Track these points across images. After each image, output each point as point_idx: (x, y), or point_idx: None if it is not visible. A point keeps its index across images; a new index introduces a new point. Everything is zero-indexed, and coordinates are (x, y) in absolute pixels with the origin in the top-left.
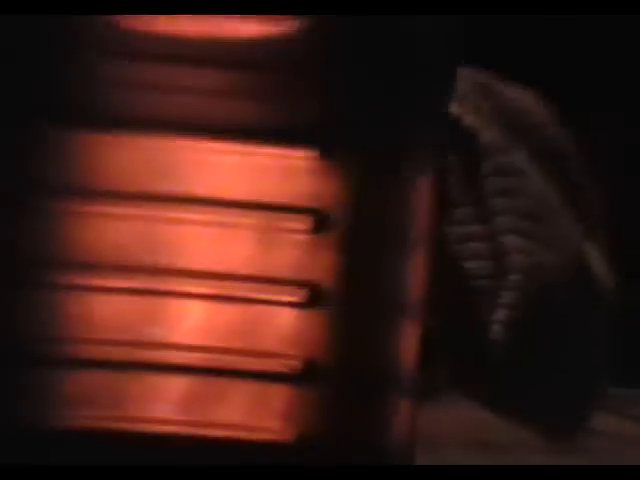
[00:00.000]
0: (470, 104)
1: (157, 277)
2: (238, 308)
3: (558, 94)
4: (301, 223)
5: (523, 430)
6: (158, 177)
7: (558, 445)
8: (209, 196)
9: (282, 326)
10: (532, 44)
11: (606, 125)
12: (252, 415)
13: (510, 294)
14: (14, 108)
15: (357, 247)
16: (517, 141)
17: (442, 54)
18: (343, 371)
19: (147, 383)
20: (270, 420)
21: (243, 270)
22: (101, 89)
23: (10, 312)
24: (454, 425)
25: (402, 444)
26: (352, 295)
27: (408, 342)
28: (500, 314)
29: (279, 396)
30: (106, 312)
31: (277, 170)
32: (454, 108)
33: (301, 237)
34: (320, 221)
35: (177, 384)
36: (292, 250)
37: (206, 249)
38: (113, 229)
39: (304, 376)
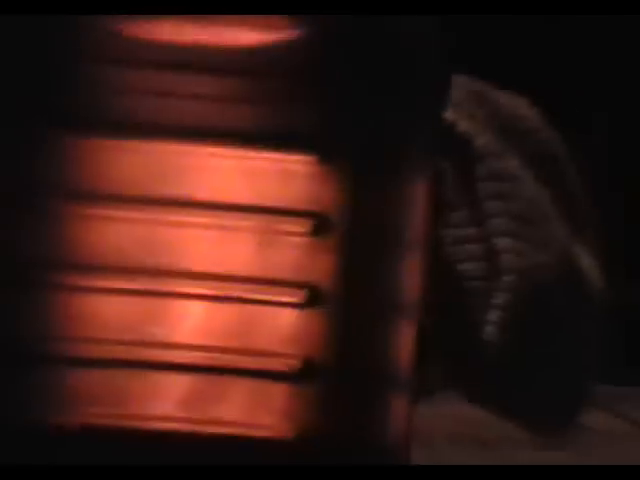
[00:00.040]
0: (465, 111)
1: (158, 278)
2: (238, 308)
3: (549, 99)
4: (300, 226)
5: (513, 426)
6: (159, 181)
7: (548, 441)
8: (210, 200)
9: (281, 326)
10: (523, 52)
11: (595, 126)
12: (252, 412)
13: (503, 295)
14: (20, 114)
15: (355, 249)
16: (510, 146)
17: (438, 62)
18: (340, 370)
19: (149, 381)
20: (269, 417)
21: (243, 271)
22: (104, 95)
23: (15, 312)
24: (448, 422)
25: (398, 440)
26: (350, 296)
27: (404, 341)
28: (493, 314)
29: (278, 394)
30: (108, 312)
31: (276, 174)
32: (449, 114)
33: (300, 239)
34: (318, 224)
35: (178, 382)
36: (291, 252)
37: (207, 251)
38: (115, 231)
39: (303, 375)
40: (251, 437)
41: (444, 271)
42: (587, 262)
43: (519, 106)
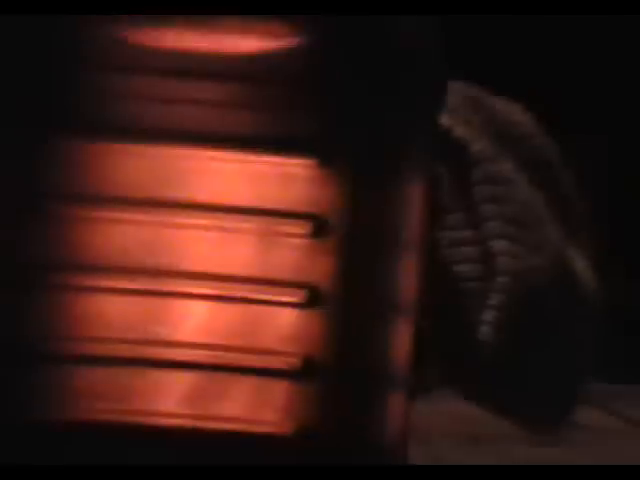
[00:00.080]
0: (461, 117)
1: (161, 278)
2: (240, 308)
3: (546, 115)
4: (300, 228)
5: (509, 424)
6: (163, 184)
7: (542, 438)
8: (211, 202)
9: (282, 325)
10: (521, 54)
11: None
12: (253, 409)
13: (498, 296)
14: (26, 120)
15: (353, 250)
16: (505, 151)
17: (436, 64)
18: (340, 368)
19: (152, 379)
20: (270, 414)
21: (244, 272)
22: (109, 101)
23: (23, 312)
24: (444, 419)
25: (396, 437)
26: (348, 296)
27: (401, 341)
28: (488, 315)
29: (279, 391)
30: (113, 312)
31: (276, 177)
32: (445, 120)
33: (300, 241)
34: (318, 226)
35: (181, 380)
36: (291, 253)
37: (209, 252)
38: (120, 233)
39: (302, 372)
40: (253, 433)
41: (440, 273)
42: (581, 264)
43: (514, 112)
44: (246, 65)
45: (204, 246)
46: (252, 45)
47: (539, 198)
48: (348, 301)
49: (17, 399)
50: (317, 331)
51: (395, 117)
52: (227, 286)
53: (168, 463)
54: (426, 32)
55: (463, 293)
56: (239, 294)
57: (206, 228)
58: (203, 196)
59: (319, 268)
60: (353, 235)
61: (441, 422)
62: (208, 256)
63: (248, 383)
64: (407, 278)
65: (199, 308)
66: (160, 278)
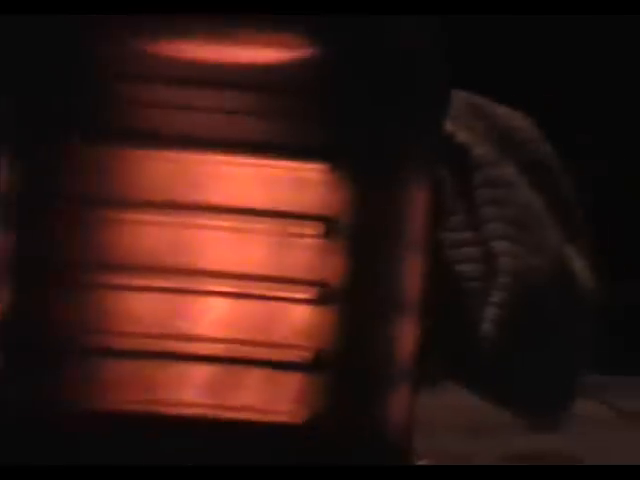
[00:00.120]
0: (463, 123)
1: (184, 277)
2: (256, 304)
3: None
4: (312, 229)
5: (510, 414)
6: (185, 188)
7: (541, 428)
8: (230, 205)
9: (295, 320)
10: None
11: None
12: (267, 399)
13: (499, 294)
14: (57, 127)
15: (362, 250)
16: (506, 155)
17: (438, 77)
18: (349, 361)
19: (175, 371)
20: (284, 404)
21: (260, 271)
22: (135, 110)
23: (58, 309)
24: (447, 411)
25: (401, 428)
26: (357, 293)
27: (407, 336)
28: (490, 313)
29: (292, 383)
30: (140, 308)
31: (291, 182)
32: (449, 126)
33: (312, 241)
34: (329, 227)
35: (201, 371)
36: (304, 253)
37: (227, 252)
38: (146, 235)
39: (314, 365)
40: (267, 422)
41: (443, 272)
42: (579, 264)
43: (515, 118)
44: (262, 75)
45: (223, 246)
46: (268, 56)
47: (539, 201)
48: (357, 298)
49: (51, 390)
50: (328, 326)
51: (401, 123)
52: (244, 284)
53: (189, 450)
54: (430, 40)
55: (465, 292)
56: (255, 291)
57: (225, 229)
58: (223, 199)
59: (330, 267)
60: (362, 236)
61: (444, 414)
62: (227, 256)
63: (263, 375)
64: (412, 277)
65: (218, 304)
66: (182, 276)
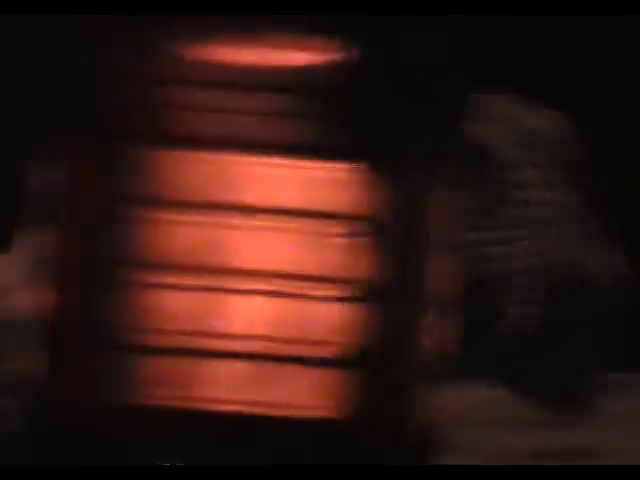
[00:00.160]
0: (491, 126)
1: (219, 276)
2: (290, 302)
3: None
4: (348, 228)
5: (528, 408)
6: (221, 188)
7: (561, 419)
8: (267, 205)
9: (329, 318)
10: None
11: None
12: (305, 395)
13: (522, 291)
14: (97, 130)
15: (397, 248)
16: (531, 157)
17: (464, 85)
18: (385, 357)
19: (211, 368)
20: (320, 399)
21: (295, 269)
22: (172, 113)
23: (98, 307)
24: (469, 404)
25: (433, 423)
26: (391, 291)
27: (440, 332)
28: (513, 309)
29: (325, 379)
30: (176, 306)
31: (325, 182)
32: (476, 129)
33: (346, 240)
34: (365, 226)
35: (237, 369)
36: (338, 251)
37: (264, 251)
38: (183, 234)
39: (348, 362)
40: (305, 418)
41: (468, 270)
42: (604, 262)
43: (541, 119)
44: (300, 78)
45: (260, 245)
46: (306, 59)
47: (569, 200)
48: (391, 296)
49: (92, 385)
50: (362, 324)
51: (432, 128)
52: (279, 282)
53: (225, 446)
54: (458, 47)
55: (488, 289)
56: (292, 290)
57: (263, 229)
58: (260, 199)
59: (366, 265)
60: (397, 234)
61: (466, 407)
62: (263, 255)
63: (300, 371)
64: (442, 274)
65: (254, 303)
66: (218, 275)
